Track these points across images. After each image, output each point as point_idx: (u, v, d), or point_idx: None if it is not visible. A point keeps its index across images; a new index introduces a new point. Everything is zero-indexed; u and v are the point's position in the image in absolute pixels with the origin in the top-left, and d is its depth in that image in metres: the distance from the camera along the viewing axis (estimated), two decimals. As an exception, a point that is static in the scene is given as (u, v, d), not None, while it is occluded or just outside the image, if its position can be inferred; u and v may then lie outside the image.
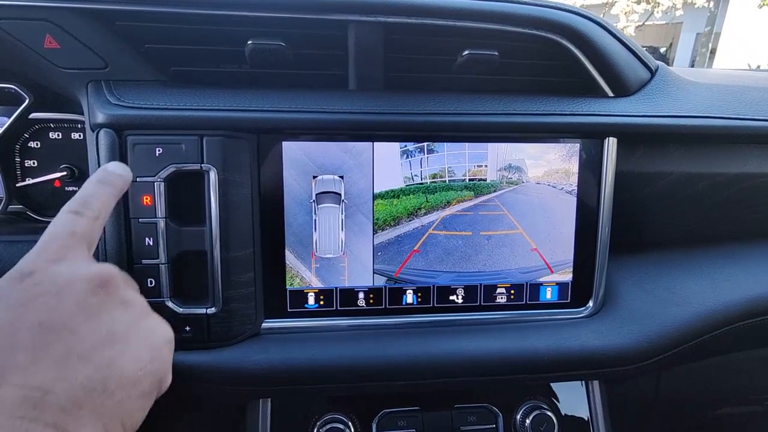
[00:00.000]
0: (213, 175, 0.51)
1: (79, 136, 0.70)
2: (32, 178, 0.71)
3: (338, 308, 0.58)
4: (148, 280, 0.52)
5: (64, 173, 0.69)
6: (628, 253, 0.65)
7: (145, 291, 0.52)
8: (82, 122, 0.67)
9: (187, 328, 0.53)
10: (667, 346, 0.58)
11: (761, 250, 0.66)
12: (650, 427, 0.72)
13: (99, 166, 0.51)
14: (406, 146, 0.56)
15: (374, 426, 0.58)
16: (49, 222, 0.43)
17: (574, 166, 0.59)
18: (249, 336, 0.55)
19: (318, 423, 0.57)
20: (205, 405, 0.61)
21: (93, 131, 0.52)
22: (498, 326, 0.59)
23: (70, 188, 0.71)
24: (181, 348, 0.53)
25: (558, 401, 0.61)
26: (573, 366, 0.57)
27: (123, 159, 0.51)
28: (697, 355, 0.62)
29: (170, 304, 0.52)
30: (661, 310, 0.60)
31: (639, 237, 0.65)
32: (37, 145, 0.69)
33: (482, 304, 0.59)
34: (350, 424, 0.57)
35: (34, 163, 0.70)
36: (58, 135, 0.70)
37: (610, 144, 0.58)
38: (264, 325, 0.56)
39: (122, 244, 0.51)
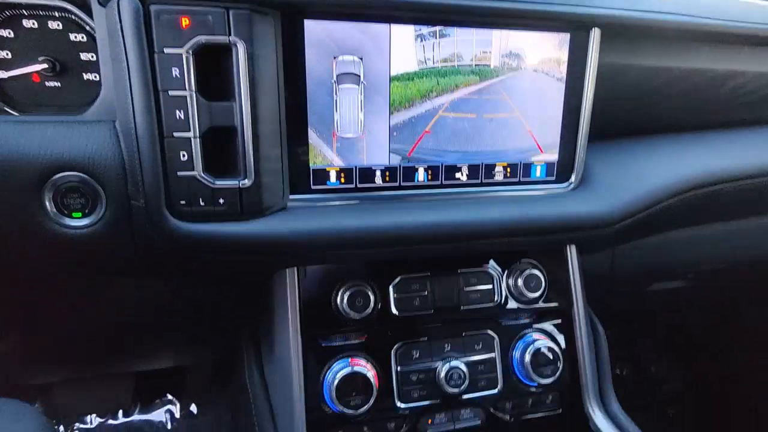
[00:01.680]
0: (241, 49, 0.52)
1: (58, 25, 0.66)
2: (6, 71, 0.67)
3: (357, 185, 0.63)
4: (181, 153, 0.54)
5: (44, 66, 0.66)
6: (604, 139, 0.75)
7: (177, 164, 0.54)
8: (61, 9, 0.63)
9: (221, 201, 0.56)
10: (633, 211, 0.70)
11: (713, 137, 0.79)
12: (606, 296, 0.87)
13: (123, 37, 0.51)
14: (420, 30, 0.60)
15: (392, 290, 0.66)
16: None
17: (564, 56, 0.66)
18: (277, 210, 0.59)
19: (342, 289, 0.64)
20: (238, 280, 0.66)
21: (103, 5, 0.50)
22: (496, 199, 0.67)
23: (52, 83, 0.68)
24: (216, 220, 0.56)
25: (544, 265, 0.72)
26: (558, 229, 0.67)
27: (147, 30, 0.51)
28: (651, 224, 0.75)
29: (203, 177, 0.55)
30: (629, 184, 0.71)
31: (613, 126, 0.75)
32: (9, 34, 0.64)
33: (483, 180, 0.67)
34: (371, 288, 0.65)
35: (7, 54, 0.66)
36: (33, 23, 0.65)
37: (595, 35, 0.65)
38: (290, 200, 0.60)
39: (153, 117, 0.52)
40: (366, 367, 0.63)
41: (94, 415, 1.36)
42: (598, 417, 0.70)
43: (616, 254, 0.90)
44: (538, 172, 0.69)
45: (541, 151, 0.69)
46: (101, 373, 1.05)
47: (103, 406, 1.35)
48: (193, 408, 1.41)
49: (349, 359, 0.64)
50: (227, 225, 0.57)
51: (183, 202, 0.55)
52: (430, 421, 0.67)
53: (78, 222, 0.56)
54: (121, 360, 1.01)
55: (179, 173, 0.54)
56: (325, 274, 0.64)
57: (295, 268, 0.63)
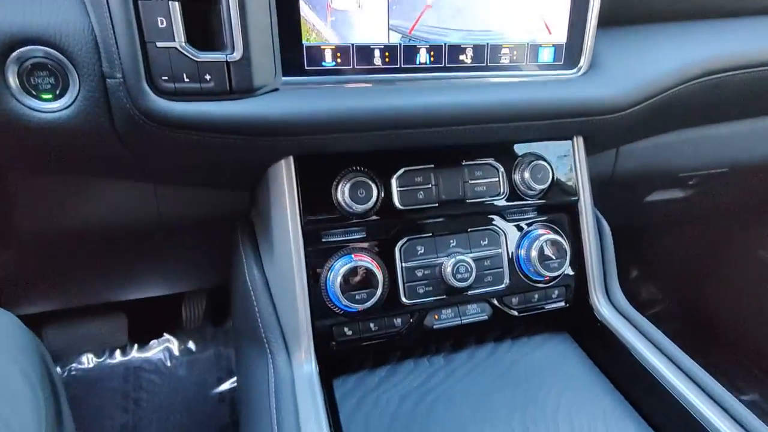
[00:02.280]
0: None
1: None
2: None
3: (355, 66, 0.58)
4: (159, 19, 0.48)
5: None
6: (614, 25, 0.71)
7: (155, 33, 0.48)
8: None
9: (208, 77, 0.51)
10: (642, 97, 0.67)
11: (725, 24, 0.75)
12: (606, 198, 0.85)
13: None
14: None
15: (394, 182, 0.63)
16: None
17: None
18: (269, 91, 0.55)
19: (342, 181, 0.60)
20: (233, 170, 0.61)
21: None
22: (502, 84, 0.63)
23: None
24: (203, 99, 0.51)
25: (549, 155, 0.69)
26: (566, 114, 0.64)
27: None
28: (658, 116, 0.72)
29: (185, 49, 0.49)
30: (639, 69, 0.68)
31: (622, 11, 0.70)
32: None
33: (488, 64, 0.63)
34: (372, 180, 0.61)
35: None
36: None
37: None
38: (283, 82, 0.56)
39: (123, -26, 0.46)
40: (370, 262, 0.61)
41: (90, 356, 1.34)
42: (603, 308, 0.70)
43: (619, 158, 0.89)
44: (545, 56, 0.65)
45: (550, 32, 0.64)
46: (92, 302, 1.01)
47: (99, 346, 1.33)
48: (191, 345, 1.40)
49: (352, 255, 0.62)
50: (216, 104, 0.52)
51: (165, 77, 0.50)
52: (436, 316, 0.66)
53: (49, 104, 0.50)
54: (112, 285, 0.98)
55: (158, 44, 0.49)
56: (324, 166, 0.60)
57: (292, 159, 0.59)
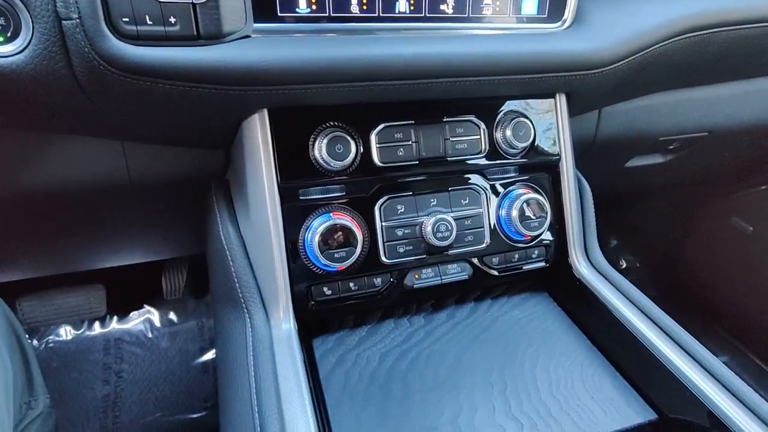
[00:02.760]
0: None
1: None
2: None
3: (330, 14, 0.55)
4: (115, -46, 0.45)
5: None
6: None
7: None
8: None
9: (173, 20, 0.48)
10: (626, 52, 0.65)
11: None
12: (588, 164, 0.85)
13: None
14: None
15: (374, 138, 0.61)
16: None
17: None
18: (240, 38, 0.52)
19: (319, 135, 0.58)
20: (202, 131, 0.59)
21: None
22: (484, 36, 0.61)
23: None
24: (169, 44, 0.49)
25: (531, 113, 0.68)
26: (549, 68, 0.62)
27: None
28: (642, 76, 0.71)
29: (148, -11, 0.46)
30: (624, 23, 0.66)
31: None
32: None
33: (470, 15, 0.60)
34: (351, 135, 0.59)
35: None
36: None
37: None
38: (254, 29, 0.53)
39: None
40: (349, 220, 0.60)
41: (68, 327, 1.32)
42: (582, 266, 0.70)
43: (601, 121, 0.88)
44: (529, 8, 0.63)
45: (531, -17, 0.62)
46: (67, 270, 0.99)
47: (77, 318, 1.31)
48: (173, 316, 1.39)
49: (331, 213, 0.60)
50: (182, 50, 0.49)
51: (126, 19, 0.47)
52: (416, 276, 0.65)
53: (1, 48, 0.47)
54: (87, 253, 0.95)
55: (117, -20, 0.46)
56: (300, 120, 0.58)
57: (266, 113, 0.57)
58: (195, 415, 1.23)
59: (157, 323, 1.35)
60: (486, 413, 0.55)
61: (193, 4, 0.48)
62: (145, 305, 1.36)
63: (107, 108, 0.53)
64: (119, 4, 0.46)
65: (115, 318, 1.34)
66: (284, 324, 0.57)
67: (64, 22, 0.46)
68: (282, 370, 0.51)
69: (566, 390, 0.58)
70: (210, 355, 1.32)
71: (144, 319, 1.35)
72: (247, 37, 0.53)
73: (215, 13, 0.49)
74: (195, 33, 0.49)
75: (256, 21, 0.53)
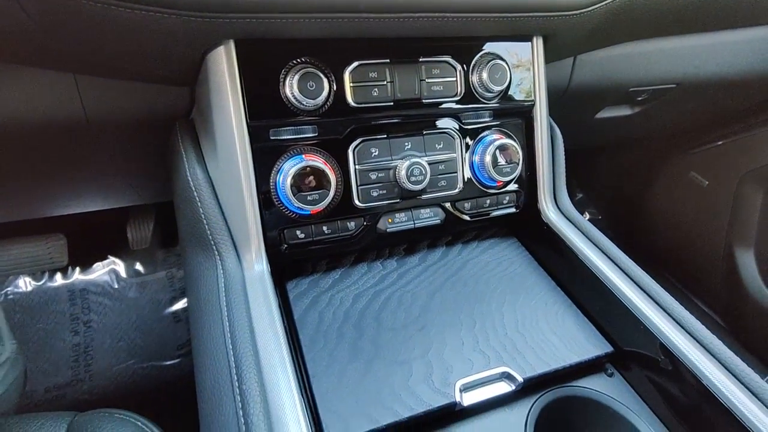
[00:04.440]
0: None
1: None
2: None
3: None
4: None
5: None
6: None
7: None
8: None
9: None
10: None
11: None
12: (560, 109, 0.86)
13: None
14: None
15: (347, 77, 0.59)
16: None
17: None
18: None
19: (290, 72, 0.56)
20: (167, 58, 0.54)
21: None
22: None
23: None
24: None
25: (508, 56, 0.67)
26: (525, 7, 0.61)
27: None
28: (617, 23, 0.70)
29: None
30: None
31: None
32: None
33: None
34: (323, 73, 0.57)
35: None
36: None
37: None
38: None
39: None
40: (322, 163, 0.58)
41: (27, 279, 1.27)
42: (550, 212, 0.72)
43: (575, 69, 0.88)
44: (509, -58, 0.60)
45: None
46: (23, 217, 0.94)
47: (37, 268, 1.26)
48: (139, 267, 1.36)
49: (303, 155, 0.59)
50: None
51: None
52: (390, 220, 0.65)
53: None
54: (44, 198, 0.90)
55: None
56: (269, 55, 0.55)
57: (232, 44, 0.53)
58: (168, 362, 1.24)
59: (123, 274, 1.32)
60: (455, 348, 0.57)
61: None
62: (109, 256, 1.33)
63: (54, 33, 0.49)
64: None
65: (78, 269, 1.30)
66: (257, 266, 0.56)
67: None
68: (256, 310, 0.51)
69: (531, 326, 0.62)
70: (181, 304, 1.32)
71: (109, 270, 1.31)
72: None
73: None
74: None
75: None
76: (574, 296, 0.67)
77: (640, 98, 1.03)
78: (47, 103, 0.61)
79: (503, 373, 0.55)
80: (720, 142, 1.38)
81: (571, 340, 0.61)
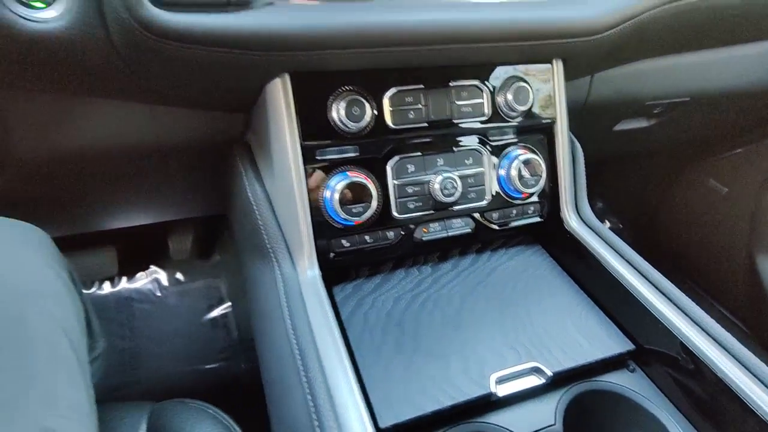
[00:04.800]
0: None
1: None
2: None
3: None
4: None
5: None
6: None
7: None
8: None
9: (205, -13, 0.51)
10: (617, 20, 0.70)
11: None
12: (578, 123, 0.91)
13: None
14: None
15: (386, 102, 0.66)
16: None
17: None
18: (264, 4, 0.55)
19: (337, 99, 0.63)
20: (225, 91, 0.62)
21: None
22: (486, 4, 0.65)
23: None
24: (200, 10, 0.52)
25: (530, 78, 0.73)
26: (545, 35, 0.67)
27: None
28: (635, 41, 0.76)
29: (182, -42, 0.49)
30: (617, -8, 0.71)
31: None
32: None
33: (477, -15, 0.64)
34: (366, 99, 0.64)
35: None
36: None
37: None
38: (277, -5, 0.56)
39: None
40: (364, 179, 0.65)
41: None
42: (572, 220, 0.78)
43: (593, 85, 0.93)
44: (531, -23, 0.67)
45: (536, -48, 0.66)
46: (83, 230, 1.03)
47: (89, 278, 1.35)
48: (180, 276, 1.45)
49: (347, 172, 0.66)
50: (213, 16, 0.52)
51: (162, -13, 0.50)
52: (425, 230, 0.72)
53: (41, 13, 0.50)
54: (103, 214, 0.99)
55: (154, -51, 0.48)
56: (319, 84, 0.62)
57: (287, 77, 0.61)
58: (209, 366, 1.31)
59: (165, 283, 1.41)
60: (488, 344, 0.63)
61: (224, -27, 0.51)
62: (151, 266, 1.42)
63: (141, 72, 0.57)
64: (155, -28, 0.49)
65: (124, 278, 1.39)
66: (309, 271, 0.63)
67: None
68: (312, 311, 0.58)
69: (557, 325, 0.67)
70: (219, 311, 1.40)
71: (152, 279, 1.41)
72: (271, 3, 0.56)
73: (243, -18, 0.53)
74: (225, 0, 0.53)
75: (276, -13, 0.56)
76: (596, 298, 0.72)
77: (656, 111, 1.07)
78: (123, 130, 0.69)
79: (534, 367, 0.60)
80: (738, 150, 1.41)
81: (595, 338, 0.66)
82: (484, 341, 0.64)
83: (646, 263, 0.70)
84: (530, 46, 0.68)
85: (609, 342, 0.65)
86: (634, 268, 0.70)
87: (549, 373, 0.59)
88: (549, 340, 0.64)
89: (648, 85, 0.98)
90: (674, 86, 1.00)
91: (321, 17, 0.56)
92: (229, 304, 1.41)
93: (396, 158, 0.69)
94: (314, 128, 0.63)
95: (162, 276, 1.42)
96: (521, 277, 0.75)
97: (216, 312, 1.39)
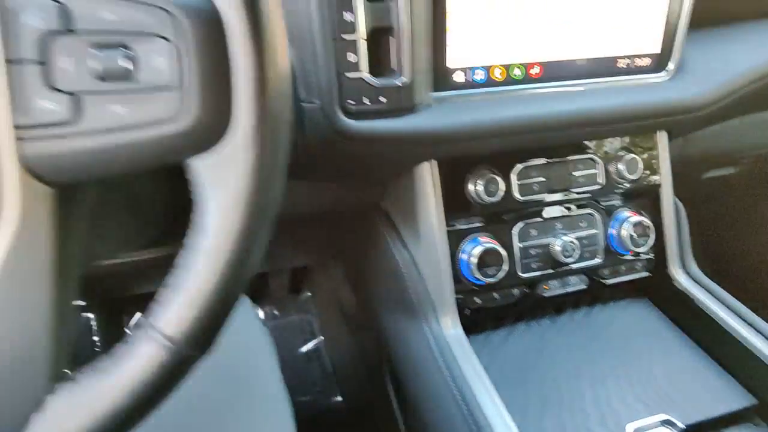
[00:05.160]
0: None
1: None
2: None
3: (494, 81, 0.69)
4: (349, 55, 0.59)
5: None
6: (696, 28, 0.80)
7: (346, 66, 0.60)
8: None
9: (383, 99, 0.62)
10: (724, 94, 0.77)
11: None
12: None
13: None
14: None
15: (514, 177, 0.75)
16: None
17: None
18: (425, 106, 0.66)
19: (477, 177, 0.72)
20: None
21: None
22: (605, 90, 0.74)
23: None
24: (376, 117, 0.63)
25: (638, 149, 0.81)
26: (656, 115, 0.75)
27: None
28: (737, 107, 0.83)
29: (369, 78, 0.61)
30: (721, 68, 0.78)
31: (708, 14, 0.80)
32: None
33: (597, 71, 0.73)
34: (499, 176, 0.74)
35: None
36: None
37: None
38: (433, 97, 0.67)
39: (325, 18, 0.57)
40: (496, 244, 0.74)
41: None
42: (680, 276, 0.83)
43: (686, 142, 0.99)
44: (639, 63, 0.75)
45: (643, 44, 0.74)
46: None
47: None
48: (276, 311, 1.57)
49: (479, 238, 0.75)
50: (386, 121, 0.64)
51: (351, 101, 0.62)
52: (546, 286, 0.80)
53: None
54: None
55: (348, 74, 0.60)
56: (460, 164, 0.73)
57: (435, 160, 0.71)
58: (306, 398, 1.41)
59: (262, 316, 1.53)
60: (618, 396, 0.69)
61: (397, 86, 0.63)
62: (252, 301, 1.55)
63: (316, 160, 0.69)
64: (348, 90, 0.61)
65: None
66: (453, 329, 0.72)
67: (304, 104, 0.61)
68: (462, 362, 0.67)
69: (677, 378, 0.72)
70: (312, 345, 1.50)
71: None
72: (430, 105, 0.67)
73: (410, 92, 0.64)
74: (398, 107, 0.64)
75: (434, 90, 0.67)
76: (709, 352, 0.77)
77: (745, 160, 1.12)
78: (287, 201, 0.81)
79: (665, 420, 0.66)
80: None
81: (717, 391, 0.71)
82: (614, 393, 0.70)
83: (755, 315, 0.75)
84: (640, 126, 0.76)
85: (731, 396, 0.70)
86: (745, 320, 0.74)
87: (681, 425, 0.65)
88: (674, 392, 0.70)
89: (738, 138, 1.03)
90: (763, 138, 1.04)
91: (475, 114, 0.66)
92: (321, 338, 1.52)
93: (520, 224, 0.77)
94: (455, 202, 0.73)
95: (260, 312, 1.54)
96: (634, 330, 0.81)
97: (309, 346, 1.50)
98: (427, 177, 0.72)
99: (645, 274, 0.85)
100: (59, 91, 0.28)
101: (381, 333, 0.82)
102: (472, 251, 0.73)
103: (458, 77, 0.67)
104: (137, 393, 0.32)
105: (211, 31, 0.29)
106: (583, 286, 0.81)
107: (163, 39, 0.28)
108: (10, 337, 0.31)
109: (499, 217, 0.77)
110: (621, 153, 0.80)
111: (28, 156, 0.29)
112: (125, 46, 0.28)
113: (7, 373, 0.31)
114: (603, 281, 0.83)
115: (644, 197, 0.84)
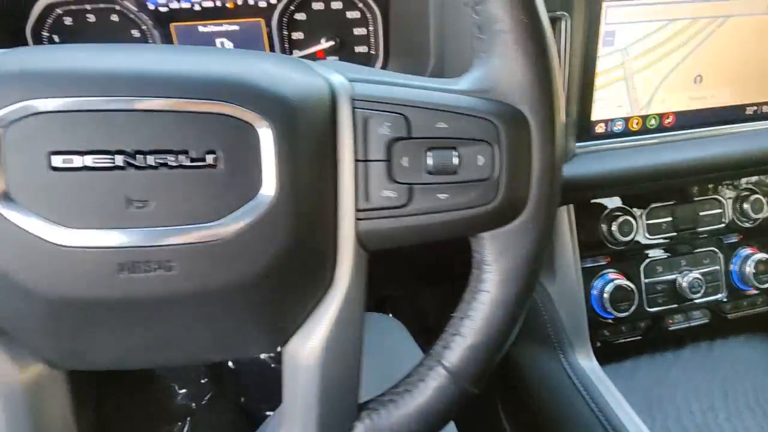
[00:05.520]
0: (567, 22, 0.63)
1: (339, 5, 0.76)
2: (301, 50, 0.78)
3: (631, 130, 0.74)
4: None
5: (332, 43, 0.77)
6: None
7: None
8: None
9: (537, 152, 0.69)
10: None
11: None
12: None
13: None
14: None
15: (643, 217, 0.80)
16: None
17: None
18: (571, 155, 0.72)
19: (613, 219, 0.78)
20: None
21: None
22: (738, 135, 0.78)
23: (332, 58, 0.79)
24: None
25: (761, 187, 0.84)
26: None
27: None
28: None
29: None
30: None
31: None
32: (303, 17, 0.75)
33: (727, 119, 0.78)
34: (631, 216, 0.79)
35: (301, 35, 0.77)
36: (321, 5, 0.75)
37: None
38: (577, 147, 0.73)
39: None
40: (625, 279, 0.79)
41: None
42: (803, 312, 0.86)
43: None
44: (766, 109, 0.79)
45: (774, 91, 0.78)
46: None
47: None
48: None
49: (609, 275, 0.79)
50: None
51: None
52: (670, 321, 0.84)
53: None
54: None
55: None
56: (595, 209, 0.78)
57: (572, 204, 0.77)
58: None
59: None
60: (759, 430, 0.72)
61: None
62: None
63: None
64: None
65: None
66: (589, 361, 0.77)
67: None
68: (604, 391, 0.72)
69: (813, 416, 0.74)
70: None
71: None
72: (575, 155, 0.73)
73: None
74: (549, 158, 0.70)
75: (577, 141, 0.73)
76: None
77: None
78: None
79: (810, 457, 0.68)
80: None
81: None
82: (753, 427, 0.73)
83: None
84: (762, 169, 0.80)
85: None
86: None
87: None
88: (813, 429, 0.72)
89: None
90: None
91: (615, 164, 0.72)
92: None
93: (647, 261, 0.82)
94: (590, 242, 0.79)
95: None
96: (759, 365, 0.83)
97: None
98: (565, 219, 0.77)
99: (765, 308, 0.87)
100: (397, 182, 0.36)
101: (519, 365, 0.88)
102: (605, 288, 0.78)
103: (599, 128, 0.73)
104: (430, 421, 0.39)
105: (521, 134, 0.36)
106: (706, 320, 0.85)
107: (485, 143, 0.36)
108: (337, 375, 0.39)
109: (626, 254, 0.81)
110: (745, 193, 0.84)
111: (361, 231, 0.36)
112: (453, 148, 0.36)
113: (333, 401, 0.39)
114: (726, 316, 0.86)
115: (765, 235, 0.87)
